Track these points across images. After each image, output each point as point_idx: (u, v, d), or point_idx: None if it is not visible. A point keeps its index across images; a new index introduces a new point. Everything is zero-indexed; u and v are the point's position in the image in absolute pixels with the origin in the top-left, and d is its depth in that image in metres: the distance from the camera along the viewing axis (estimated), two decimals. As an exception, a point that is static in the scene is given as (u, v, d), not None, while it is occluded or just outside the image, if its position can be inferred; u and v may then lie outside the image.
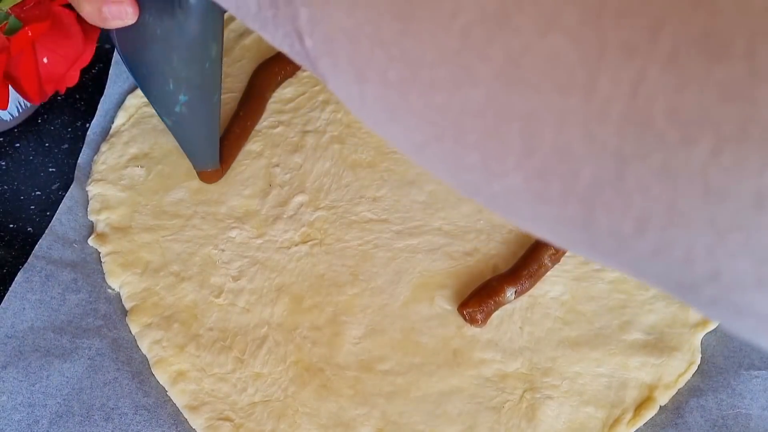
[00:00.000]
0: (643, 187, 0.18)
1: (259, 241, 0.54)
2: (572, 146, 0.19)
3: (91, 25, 0.55)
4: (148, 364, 0.50)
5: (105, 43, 0.63)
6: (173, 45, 0.43)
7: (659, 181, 0.18)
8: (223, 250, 0.54)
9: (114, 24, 0.41)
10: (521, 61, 0.19)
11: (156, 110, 0.49)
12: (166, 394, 0.49)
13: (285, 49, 0.27)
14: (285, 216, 0.55)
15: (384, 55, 0.22)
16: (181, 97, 0.47)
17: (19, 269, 0.52)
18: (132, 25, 0.42)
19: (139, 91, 0.62)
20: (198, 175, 0.56)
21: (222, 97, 0.61)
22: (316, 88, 0.61)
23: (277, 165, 0.57)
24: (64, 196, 0.56)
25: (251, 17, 0.28)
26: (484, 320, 0.49)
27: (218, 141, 0.54)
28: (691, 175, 0.17)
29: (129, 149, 0.59)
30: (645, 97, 0.17)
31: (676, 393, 0.47)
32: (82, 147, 0.59)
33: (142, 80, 0.46)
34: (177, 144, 0.59)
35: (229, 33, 0.64)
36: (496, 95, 0.19)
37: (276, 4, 0.26)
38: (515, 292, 0.50)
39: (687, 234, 0.18)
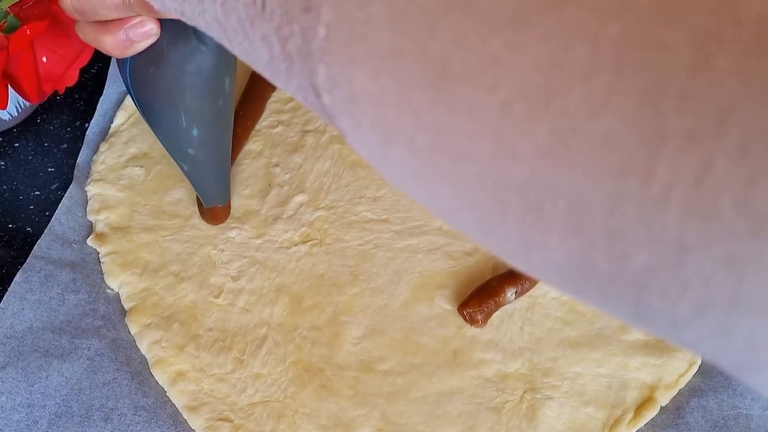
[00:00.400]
0: (705, 275, 0.17)
1: (259, 241, 0.54)
2: (626, 230, 0.18)
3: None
4: (148, 365, 0.50)
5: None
6: (186, 74, 0.42)
7: (724, 270, 0.17)
8: (222, 250, 0.54)
9: (141, 46, 0.39)
10: (570, 143, 0.18)
11: (166, 146, 0.47)
12: (166, 395, 0.48)
13: (298, 99, 0.27)
14: (285, 216, 0.55)
15: (413, 122, 0.21)
16: (194, 132, 0.45)
17: (18, 269, 0.52)
18: (145, 54, 0.40)
19: (138, 91, 0.61)
20: (204, 214, 0.54)
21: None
22: (316, 87, 0.61)
23: (277, 165, 0.57)
24: (63, 196, 0.56)
25: (262, 65, 0.27)
26: (485, 320, 0.49)
27: (229, 176, 0.52)
28: (760, 266, 0.16)
29: (128, 149, 0.59)
30: (711, 187, 0.16)
31: (677, 393, 0.47)
32: (81, 147, 0.59)
33: (153, 116, 0.44)
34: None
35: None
36: (540, 173, 0.19)
37: (290, 57, 0.25)
38: (515, 292, 0.50)
39: (751, 320, 0.17)
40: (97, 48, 0.39)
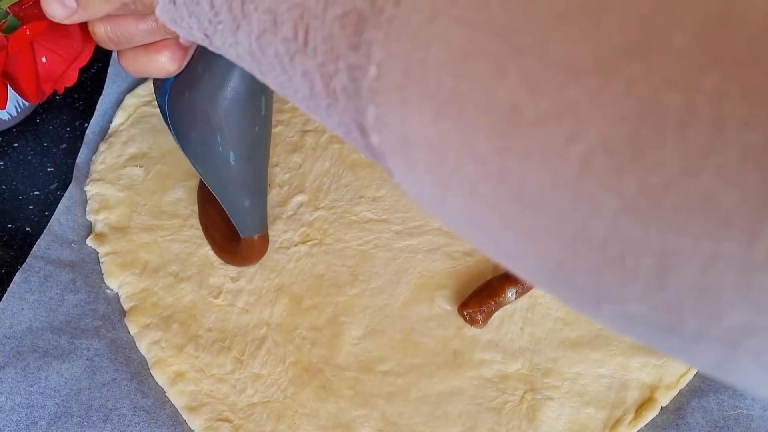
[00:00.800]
0: None
1: (259, 241, 0.54)
2: (721, 289, 0.17)
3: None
4: (147, 365, 0.49)
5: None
6: (222, 96, 0.40)
7: None
8: (222, 250, 0.54)
9: (183, 64, 0.38)
10: (662, 199, 0.17)
11: (203, 174, 0.45)
12: (165, 395, 0.48)
13: (338, 134, 0.26)
14: (284, 216, 0.55)
15: (476, 168, 0.20)
16: (231, 157, 0.43)
17: (18, 269, 0.52)
18: (180, 79, 0.39)
19: (138, 91, 0.61)
20: (243, 250, 0.50)
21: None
22: (316, 87, 0.61)
23: (277, 164, 0.57)
24: (62, 196, 0.56)
25: (299, 100, 0.26)
26: (485, 321, 0.49)
27: (267, 203, 0.49)
28: None
29: (127, 149, 0.59)
30: None
31: (678, 394, 0.47)
32: (80, 147, 0.59)
33: (190, 143, 0.43)
34: (176, 144, 0.59)
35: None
36: (623, 228, 0.17)
37: (334, 94, 0.24)
38: (516, 292, 0.50)
39: None
40: (146, 75, 0.38)
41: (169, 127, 0.43)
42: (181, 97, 0.40)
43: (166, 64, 0.37)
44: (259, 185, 0.46)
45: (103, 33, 0.36)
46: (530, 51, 0.18)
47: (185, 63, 0.38)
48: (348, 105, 0.23)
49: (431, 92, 0.20)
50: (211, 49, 0.30)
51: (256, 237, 0.49)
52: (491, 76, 0.19)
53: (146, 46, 0.37)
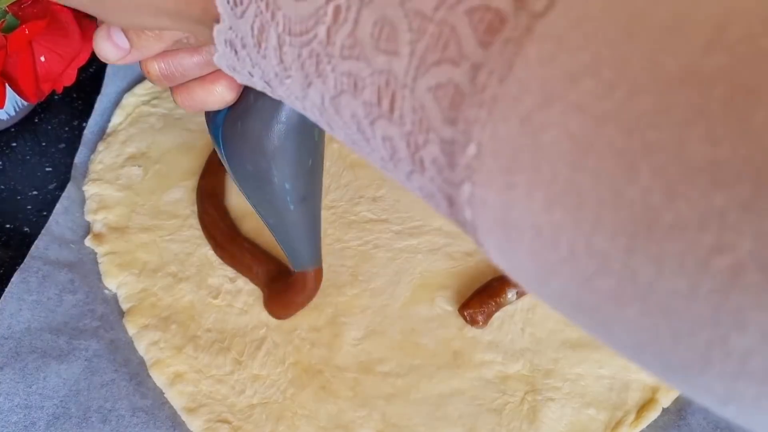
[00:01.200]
0: None
1: (257, 241, 0.53)
2: None
3: (88, 23, 0.55)
4: (146, 366, 0.49)
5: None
6: (275, 125, 0.39)
7: None
8: (221, 251, 0.53)
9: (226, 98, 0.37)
10: None
11: (257, 207, 0.44)
12: (164, 396, 0.48)
13: (414, 192, 0.24)
14: (284, 216, 0.55)
15: (594, 264, 0.18)
16: (286, 186, 0.41)
17: (16, 270, 0.52)
18: (233, 109, 0.38)
19: (137, 90, 0.61)
20: (296, 285, 0.48)
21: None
22: (315, 87, 0.61)
23: (276, 165, 0.57)
24: (60, 195, 0.56)
25: (375, 159, 0.25)
26: (485, 321, 0.49)
27: (320, 235, 0.47)
28: None
29: (126, 148, 0.59)
30: None
31: (679, 395, 0.47)
32: (78, 146, 0.59)
33: (245, 175, 0.41)
34: (175, 143, 0.59)
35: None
36: None
37: (420, 164, 0.23)
38: (516, 293, 0.50)
39: None
40: (203, 109, 0.37)
41: (223, 159, 0.41)
42: (234, 128, 0.39)
43: (223, 94, 0.36)
44: (314, 214, 0.45)
45: (156, 70, 0.35)
46: (666, 149, 0.17)
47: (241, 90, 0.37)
48: (437, 177, 0.22)
49: (544, 181, 0.19)
50: (273, 96, 0.29)
51: (311, 270, 0.47)
52: (619, 174, 0.17)
53: (201, 79, 0.35)
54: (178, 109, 0.60)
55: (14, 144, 0.60)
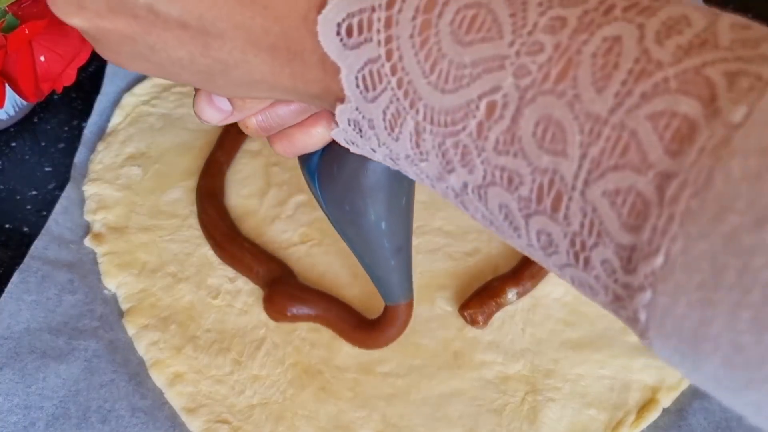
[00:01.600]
0: None
1: (257, 241, 0.53)
2: None
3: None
4: (145, 366, 0.49)
5: (102, 42, 0.62)
6: (371, 161, 0.37)
7: None
8: (221, 251, 0.53)
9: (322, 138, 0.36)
10: None
11: (353, 245, 0.43)
12: (164, 396, 0.48)
13: (564, 278, 0.24)
14: (283, 216, 0.55)
15: None
16: (382, 225, 0.41)
17: (15, 270, 0.52)
18: (329, 148, 0.37)
19: (136, 90, 0.61)
20: (387, 319, 0.47)
21: (220, 96, 0.61)
22: (315, 87, 0.61)
23: (276, 164, 0.57)
24: (60, 195, 0.56)
25: (520, 245, 0.24)
26: (486, 321, 0.49)
27: (412, 264, 0.46)
28: None
29: (125, 148, 0.58)
30: None
31: (680, 395, 0.47)
32: (78, 146, 0.59)
33: (342, 214, 0.41)
34: (174, 143, 0.59)
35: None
36: None
37: (586, 264, 0.22)
38: (517, 293, 0.49)
39: None
40: (304, 152, 0.36)
41: (320, 199, 0.41)
42: (331, 168, 0.38)
43: (323, 134, 0.35)
44: (408, 252, 0.44)
45: (255, 124, 0.35)
46: None
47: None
48: (605, 276, 0.22)
49: (754, 304, 0.18)
50: (391, 167, 0.28)
51: (403, 303, 0.46)
52: None
53: (299, 124, 0.35)
54: (177, 108, 0.60)
55: (13, 144, 0.60)
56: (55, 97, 0.62)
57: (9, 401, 0.47)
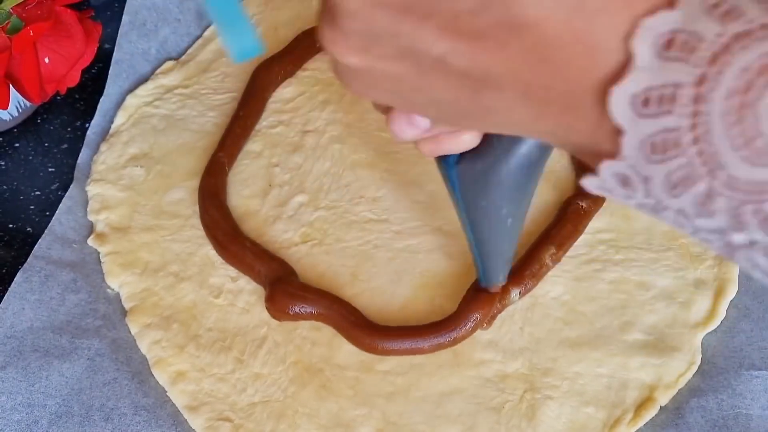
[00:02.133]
0: None
1: (258, 241, 0.54)
2: None
3: (92, 25, 0.55)
4: (148, 365, 0.50)
5: (105, 43, 0.63)
6: (513, 160, 0.39)
7: None
8: (222, 250, 0.54)
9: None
10: None
11: (477, 239, 0.44)
12: (166, 395, 0.48)
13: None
14: (284, 216, 0.55)
15: None
16: (509, 222, 0.42)
17: (19, 269, 0.52)
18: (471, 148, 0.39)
19: (139, 91, 0.62)
20: (478, 297, 0.49)
21: (222, 97, 0.61)
22: (316, 88, 0.61)
23: (277, 165, 0.57)
24: (63, 196, 0.56)
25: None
26: (490, 322, 0.49)
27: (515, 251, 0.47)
28: None
29: (128, 149, 0.59)
30: None
31: (677, 393, 0.47)
32: (81, 147, 0.59)
33: (479, 212, 0.42)
34: (176, 143, 0.59)
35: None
36: None
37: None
38: (519, 292, 0.50)
39: None
40: (446, 153, 0.38)
41: (455, 196, 0.42)
42: (471, 167, 0.39)
43: (471, 141, 0.36)
44: (519, 235, 0.46)
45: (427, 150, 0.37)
46: None
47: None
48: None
49: None
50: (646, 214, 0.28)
51: (493, 287, 0.48)
52: None
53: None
54: (179, 110, 0.61)
55: (17, 144, 0.60)
56: (59, 98, 0.62)
57: (12, 399, 0.47)
